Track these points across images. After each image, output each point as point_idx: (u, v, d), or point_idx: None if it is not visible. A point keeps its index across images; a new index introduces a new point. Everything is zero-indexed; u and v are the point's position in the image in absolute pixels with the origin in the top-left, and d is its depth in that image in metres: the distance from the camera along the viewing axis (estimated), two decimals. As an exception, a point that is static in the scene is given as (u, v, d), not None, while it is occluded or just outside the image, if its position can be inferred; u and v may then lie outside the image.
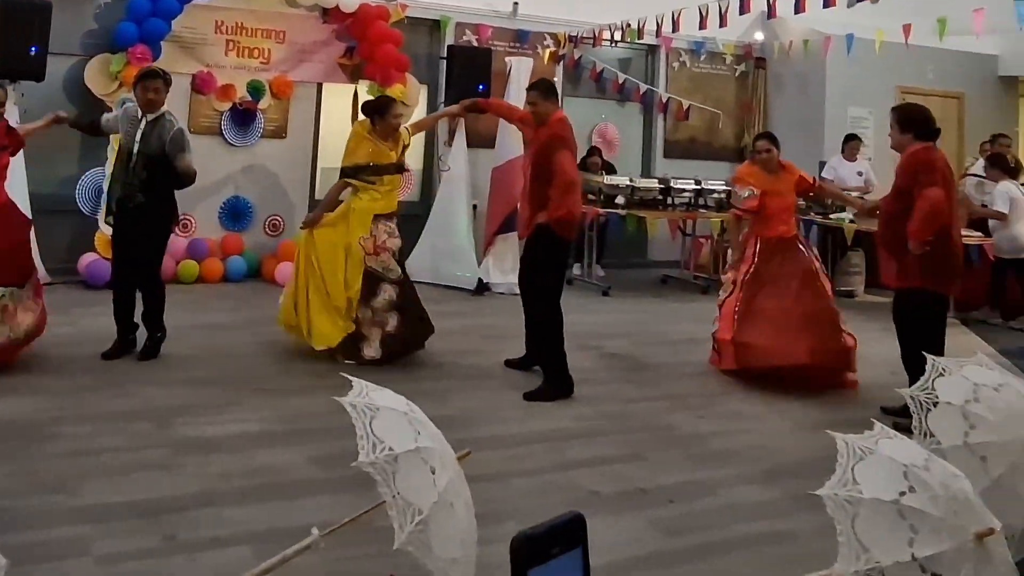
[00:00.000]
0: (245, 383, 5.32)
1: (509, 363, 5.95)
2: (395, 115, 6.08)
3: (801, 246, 6.31)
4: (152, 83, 5.50)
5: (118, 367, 5.44)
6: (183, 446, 4.28)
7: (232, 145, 8.98)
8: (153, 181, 5.47)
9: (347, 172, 6.07)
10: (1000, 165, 8.61)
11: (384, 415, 2.86)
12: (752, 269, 6.15)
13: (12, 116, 7.13)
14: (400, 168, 6.24)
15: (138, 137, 5.47)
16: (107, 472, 3.93)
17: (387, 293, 5.90)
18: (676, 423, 5.09)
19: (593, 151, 10.30)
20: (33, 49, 7.43)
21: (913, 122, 5.27)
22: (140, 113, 5.55)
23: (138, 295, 5.70)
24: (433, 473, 2.80)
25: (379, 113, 6.04)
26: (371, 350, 5.81)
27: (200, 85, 8.77)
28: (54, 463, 3.99)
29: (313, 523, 3.00)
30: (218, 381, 5.32)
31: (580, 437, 4.76)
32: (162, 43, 8.37)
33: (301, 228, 6.20)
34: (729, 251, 6.62)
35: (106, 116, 6.11)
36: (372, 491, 2.75)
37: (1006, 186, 8.38)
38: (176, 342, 5.84)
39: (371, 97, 9.08)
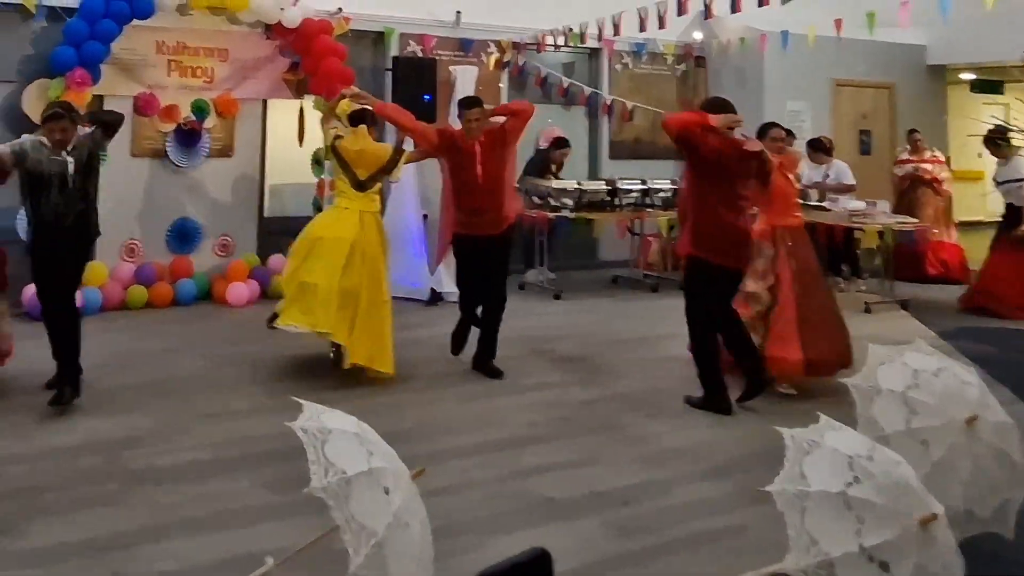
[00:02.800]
0: (195, 409, 5.17)
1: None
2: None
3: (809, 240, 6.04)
4: (58, 125, 5.20)
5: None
6: (131, 479, 4.14)
7: (178, 166, 8.77)
8: (87, 190, 5.35)
9: None
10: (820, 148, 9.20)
11: (336, 437, 2.83)
12: (791, 268, 5.68)
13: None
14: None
15: (71, 171, 5.24)
16: (52, 511, 3.78)
17: None
18: (628, 423, 5.06)
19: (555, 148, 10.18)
20: (-31, 77, 7.21)
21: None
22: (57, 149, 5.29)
23: None
24: (387, 493, 2.77)
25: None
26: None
27: (143, 107, 8.57)
28: (-4, 504, 3.83)
29: (267, 551, 2.95)
30: (167, 409, 5.16)
31: (534, 443, 4.72)
32: (102, 66, 8.15)
33: None
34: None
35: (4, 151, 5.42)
36: (327, 515, 2.70)
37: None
38: (124, 370, 5.67)
39: (317, 111, 9.01)
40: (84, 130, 5.48)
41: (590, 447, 4.68)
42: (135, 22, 8.24)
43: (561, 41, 10.18)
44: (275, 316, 5.86)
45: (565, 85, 10.99)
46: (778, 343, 5.52)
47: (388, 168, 6.01)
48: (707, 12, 8.26)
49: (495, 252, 6.01)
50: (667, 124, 5.25)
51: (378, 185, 6.06)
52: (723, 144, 5.16)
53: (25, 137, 5.46)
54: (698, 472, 4.37)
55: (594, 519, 3.83)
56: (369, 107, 6.22)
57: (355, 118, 6.15)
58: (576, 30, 9.78)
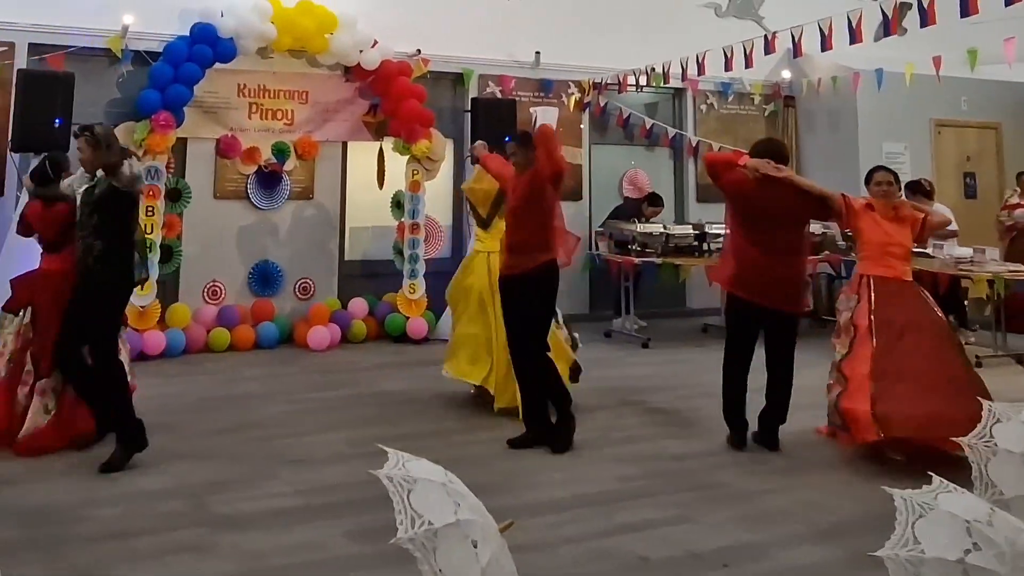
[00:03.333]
0: (279, 455, 5.28)
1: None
2: None
3: (923, 294, 5.64)
4: (76, 142, 5.12)
5: (151, 442, 5.32)
6: (217, 524, 4.22)
7: (259, 208, 9.08)
8: (96, 227, 5.05)
9: None
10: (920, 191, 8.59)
11: (422, 487, 2.81)
12: (873, 317, 5.41)
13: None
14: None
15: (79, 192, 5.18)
16: (139, 556, 3.87)
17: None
18: (726, 481, 4.96)
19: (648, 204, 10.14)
20: (57, 121, 7.55)
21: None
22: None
23: None
24: (475, 547, 2.75)
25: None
26: None
27: (225, 149, 8.90)
28: (84, 549, 3.94)
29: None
30: (252, 454, 5.28)
31: (626, 499, 4.65)
32: (185, 109, 8.51)
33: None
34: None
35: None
36: (413, 567, 2.70)
37: None
38: (209, 414, 5.81)
39: (397, 153, 9.20)
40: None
41: (686, 505, 4.59)
42: (217, 65, 8.61)
43: (643, 81, 10.25)
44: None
45: (648, 126, 11.05)
46: (850, 396, 5.30)
47: (499, 202, 6.18)
48: (796, 50, 8.20)
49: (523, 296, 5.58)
50: (706, 160, 5.70)
51: (501, 222, 6.17)
52: (742, 177, 5.35)
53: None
54: (801, 534, 4.24)
55: (691, 582, 3.76)
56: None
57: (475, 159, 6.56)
58: (659, 70, 9.82)
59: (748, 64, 8.83)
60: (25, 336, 5.32)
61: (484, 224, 6.44)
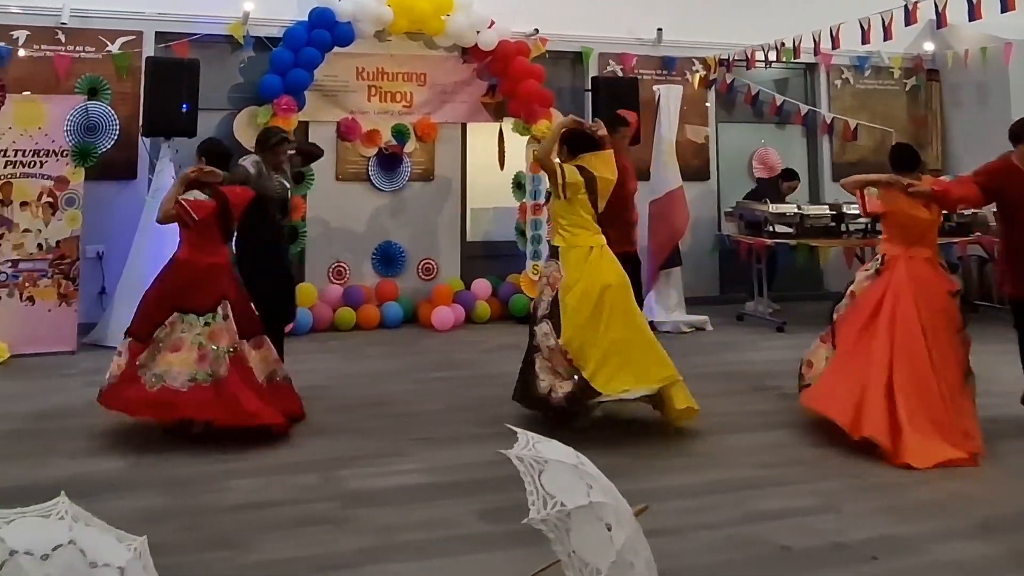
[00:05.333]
0: (408, 432, 5.43)
1: None
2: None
3: None
4: (284, 148, 6.20)
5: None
6: (350, 499, 4.37)
7: (380, 190, 9.34)
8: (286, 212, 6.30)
9: None
10: None
11: (553, 468, 2.83)
12: None
13: (168, 172, 7.65)
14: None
15: (287, 184, 6.22)
16: (276, 526, 4.04)
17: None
18: (872, 471, 4.81)
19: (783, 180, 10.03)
20: (184, 107, 7.93)
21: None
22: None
23: None
24: (609, 530, 2.75)
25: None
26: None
27: (345, 132, 9.16)
28: (222, 518, 4.13)
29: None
30: (381, 431, 5.46)
31: (765, 487, 4.58)
32: (306, 93, 8.80)
33: None
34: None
35: (249, 170, 5.95)
36: (544, 547, 2.74)
37: None
38: (338, 391, 6.02)
39: (517, 134, 9.25)
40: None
41: (828, 494, 4.48)
42: (336, 49, 8.88)
43: (773, 56, 10.01)
44: (586, 387, 5.21)
45: (779, 103, 10.81)
46: None
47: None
48: (940, 20, 7.85)
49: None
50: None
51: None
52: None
53: (247, 158, 5.98)
54: (955, 529, 4.09)
55: (836, 573, 3.66)
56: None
57: (591, 143, 5.65)
58: (789, 44, 9.57)
59: (887, 36, 8.51)
60: (233, 332, 5.25)
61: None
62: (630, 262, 6.09)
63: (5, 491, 4.18)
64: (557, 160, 5.64)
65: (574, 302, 5.35)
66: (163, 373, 5.07)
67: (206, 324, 5.20)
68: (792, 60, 10.12)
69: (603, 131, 5.78)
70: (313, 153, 6.82)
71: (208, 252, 5.36)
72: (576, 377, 5.21)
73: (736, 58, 10.43)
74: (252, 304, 5.55)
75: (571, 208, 5.48)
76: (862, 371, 5.16)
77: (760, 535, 4.00)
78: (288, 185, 6.20)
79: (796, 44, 9.49)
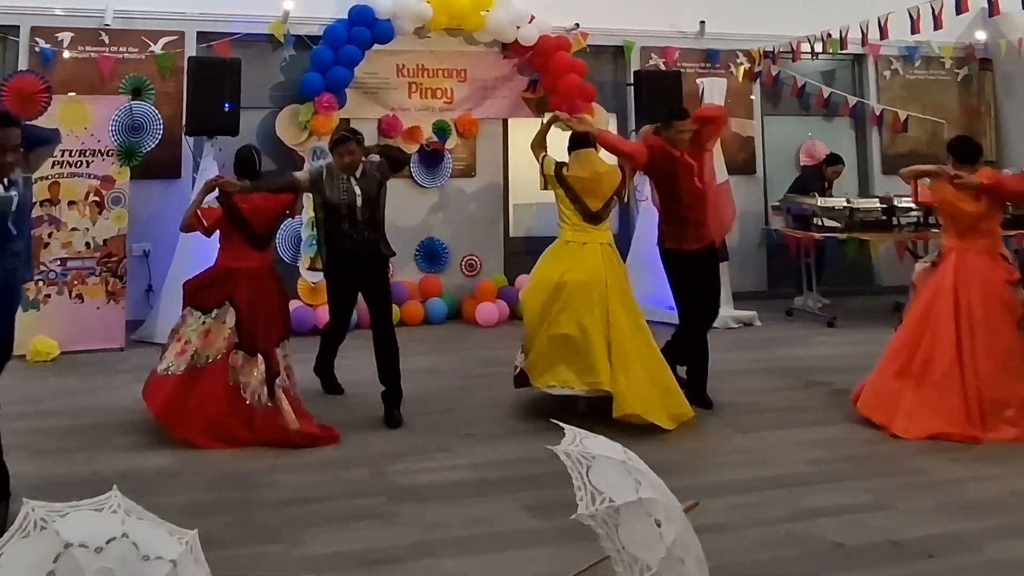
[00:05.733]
0: (454, 428, 5.47)
1: None
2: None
3: None
4: (346, 147, 5.63)
5: (330, 413, 5.64)
6: (397, 494, 4.40)
7: (422, 187, 9.38)
8: (376, 219, 5.74)
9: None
10: None
11: (600, 464, 2.83)
12: None
13: (212, 171, 7.76)
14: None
15: (358, 193, 5.63)
16: (325, 521, 4.08)
17: None
18: (926, 467, 4.77)
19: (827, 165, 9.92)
20: (226, 105, 8.02)
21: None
22: (345, 175, 5.67)
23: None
24: (659, 526, 2.74)
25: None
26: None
27: (386, 129, 9.22)
28: (271, 512, 4.19)
29: (539, 576, 2.99)
30: (428, 427, 5.50)
31: (817, 483, 4.55)
32: (347, 90, 8.87)
33: None
34: None
35: (302, 176, 5.96)
36: (592, 543, 2.74)
37: None
38: (380, 386, 6.01)
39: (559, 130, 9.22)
40: (373, 158, 5.90)
41: (882, 491, 4.44)
42: (376, 47, 8.95)
43: (819, 48, 9.91)
44: (523, 374, 5.64)
45: (826, 95, 10.70)
46: None
47: (620, 192, 5.81)
48: (992, 8, 7.73)
49: (708, 265, 5.95)
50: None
51: (611, 213, 5.86)
52: None
53: (321, 162, 5.98)
54: (1014, 527, 4.03)
55: (892, 571, 3.62)
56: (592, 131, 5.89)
57: (579, 141, 5.82)
58: (835, 35, 9.48)
59: (937, 25, 8.40)
60: (231, 339, 5.29)
61: (595, 218, 5.70)
62: (696, 261, 5.83)
63: (58, 485, 4.27)
64: (543, 153, 5.96)
65: (526, 294, 5.89)
66: (168, 364, 5.33)
67: (203, 323, 5.35)
68: (839, 51, 10.00)
69: (584, 127, 5.92)
70: (399, 160, 6.11)
71: (233, 256, 5.49)
72: (522, 358, 5.66)
73: (781, 50, 10.34)
74: (277, 311, 5.52)
75: (558, 202, 5.81)
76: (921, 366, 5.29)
77: (813, 532, 3.97)
78: (357, 192, 5.61)
79: (843, 35, 9.42)
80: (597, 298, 5.44)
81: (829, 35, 9.59)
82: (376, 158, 5.90)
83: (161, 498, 4.13)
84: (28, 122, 4.56)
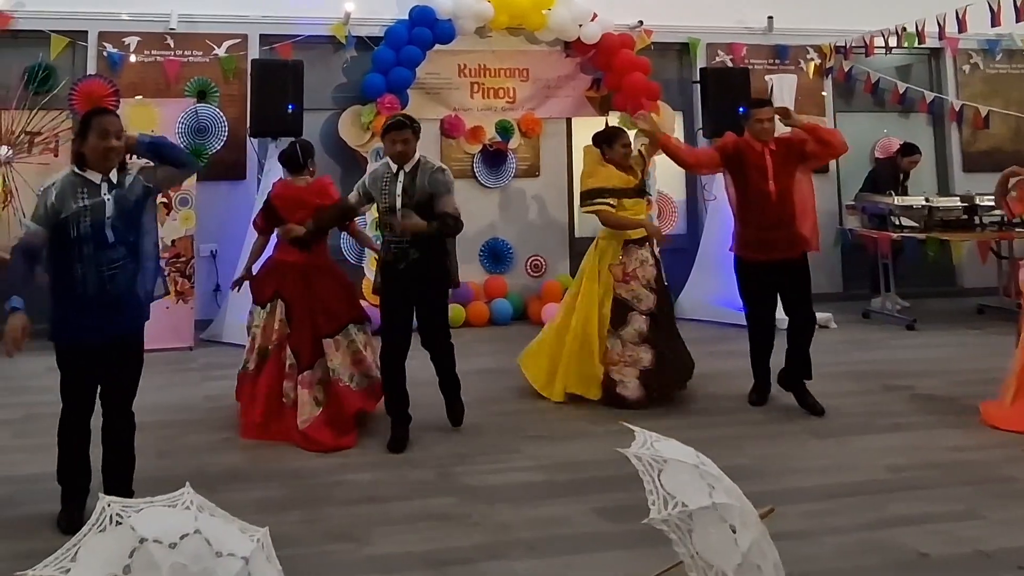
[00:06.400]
0: (521, 430, 5.46)
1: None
2: (623, 144, 6.11)
3: None
4: (400, 134, 5.13)
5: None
6: (465, 495, 4.41)
7: (486, 187, 9.43)
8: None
9: (586, 196, 6.17)
10: None
11: (672, 468, 2.81)
12: None
13: (276, 172, 7.85)
14: (641, 192, 6.23)
15: (398, 191, 5.15)
16: (394, 520, 4.11)
17: (636, 323, 5.92)
18: (1016, 475, 4.62)
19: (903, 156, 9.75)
20: (290, 107, 8.13)
21: None
22: (393, 167, 5.24)
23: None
24: (734, 532, 2.71)
25: (607, 143, 6.15)
26: (628, 390, 5.80)
27: (449, 129, 9.27)
28: (340, 511, 4.23)
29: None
30: (496, 428, 5.51)
31: (899, 490, 4.44)
32: (409, 91, 8.95)
33: None
34: None
35: (353, 198, 5.52)
36: (665, 548, 2.71)
37: None
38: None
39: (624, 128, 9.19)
40: (437, 163, 5.42)
41: (969, 499, 4.31)
42: (437, 47, 9.01)
43: (893, 42, 9.75)
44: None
45: (901, 91, 10.49)
46: None
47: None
48: (1080, -3, 7.51)
49: (805, 278, 5.87)
50: None
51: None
52: None
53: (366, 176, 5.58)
54: (1116, 540, 3.89)
55: (983, 582, 3.53)
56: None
57: (599, 139, 6.32)
58: (911, 29, 9.29)
59: (1019, 18, 8.19)
60: (282, 331, 5.47)
61: None
62: (760, 271, 5.80)
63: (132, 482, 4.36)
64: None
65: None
66: (244, 361, 5.62)
67: (262, 317, 5.57)
68: (915, 46, 9.80)
69: (647, 125, 6.16)
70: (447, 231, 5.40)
71: (281, 250, 5.68)
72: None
73: (854, 45, 10.20)
74: (333, 302, 5.55)
75: None
76: None
77: (894, 540, 3.88)
78: (398, 192, 5.15)
79: (919, 29, 9.22)
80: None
81: (904, 29, 9.42)
82: (443, 166, 5.42)
83: (232, 495, 4.21)
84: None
